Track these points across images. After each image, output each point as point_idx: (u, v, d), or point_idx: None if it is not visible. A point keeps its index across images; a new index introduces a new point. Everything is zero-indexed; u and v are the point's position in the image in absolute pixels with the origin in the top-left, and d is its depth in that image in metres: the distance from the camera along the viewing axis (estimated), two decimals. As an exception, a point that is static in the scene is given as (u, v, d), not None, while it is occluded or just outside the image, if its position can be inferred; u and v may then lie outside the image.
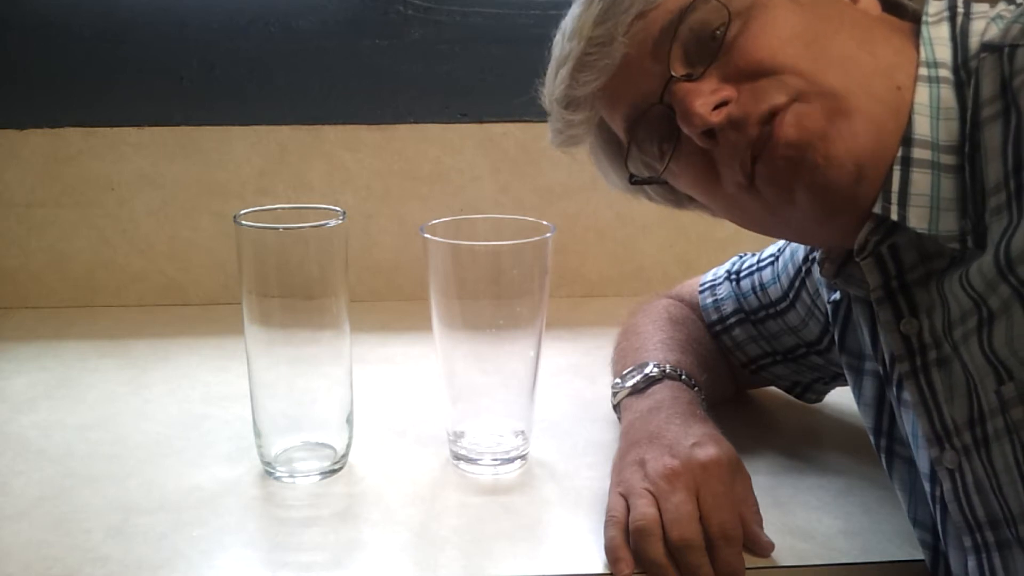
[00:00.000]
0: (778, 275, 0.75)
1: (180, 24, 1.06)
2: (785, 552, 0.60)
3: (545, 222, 0.69)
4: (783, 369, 0.78)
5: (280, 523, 0.64)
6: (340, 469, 0.71)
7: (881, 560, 0.60)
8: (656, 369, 0.71)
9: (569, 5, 0.60)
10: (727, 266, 0.81)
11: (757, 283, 0.77)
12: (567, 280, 1.16)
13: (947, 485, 0.52)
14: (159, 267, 1.12)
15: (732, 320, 0.78)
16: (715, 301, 0.80)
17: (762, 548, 0.59)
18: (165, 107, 1.08)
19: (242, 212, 0.66)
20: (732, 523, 0.58)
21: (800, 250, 0.73)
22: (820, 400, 0.81)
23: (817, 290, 0.70)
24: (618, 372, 0.75)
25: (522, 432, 0.72)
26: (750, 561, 0.59)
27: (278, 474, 0.70)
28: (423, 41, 1.08)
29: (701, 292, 0.82)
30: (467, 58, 1.09)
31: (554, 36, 0.62)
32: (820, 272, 0.61)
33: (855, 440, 0.76)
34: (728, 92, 0.52)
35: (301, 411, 0.69)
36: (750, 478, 0.63)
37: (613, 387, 0.74)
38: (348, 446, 0.72)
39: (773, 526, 0.62)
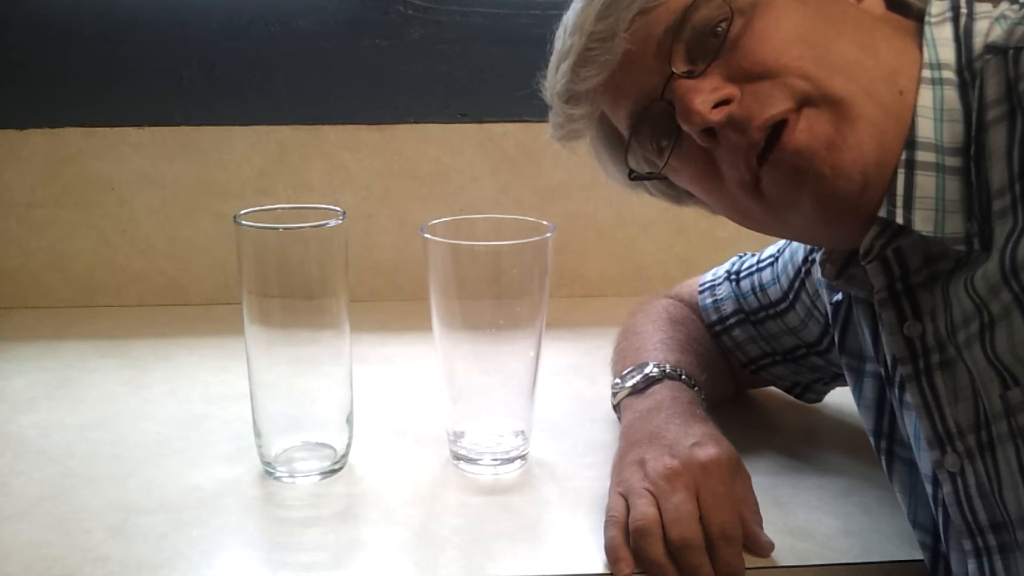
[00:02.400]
0: (778, 276, 0.75)
1: (180, 24, 1.06)
2: (785, 552, 0.60)
3: (545, 222, 0.69)
4: (783, 369, 0.78)
5: (280, 523, 0.64)
6: (340, 469, 0.71)
7: (881, 560, 0.60)
8: (656, 369, 0.71)
9: (569, 4, 0.60)
10: (727, 266, 0.81)
11: (757, 284, 0.77)
12: (567, 280, 1.16)
13: (948, 488, 0.52)
14: (159, 267, 1.12)
15: (732, 320, 0.78)
16: (715, 301, 0.80)
17: (762, 548, 0.59)
18: (165, 107, 1.08)
19: (242, 212, 0.66)
20: (732, 523, 0.58)
21: (800, 251, 0.73)
22: (820, 400, 0.81)
23: (817, 291, 0.70)
24: (618, 372, 0.75)
25: (522, 432, 0.72)
26: (750, 561, 0.59)
27: (278, 474, 0.70)
28: (423, 41, 1.08)
29: (701, 292, 0.82)
30: (467, 58, 1.09)
31: (555, 33, 0.62)
32: (821, 273, 0.61)
33: (855, 440, 0.76)
34: (730, 91, 0.51)
35: (301, 411, 0.69)
36: (750, 478, 0.63)
37: (613, 387, 0.74)
38: (348, 446, 0.72)
39: (773, 526, 0.62)
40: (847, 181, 0.49)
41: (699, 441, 0.61)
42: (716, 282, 0.81)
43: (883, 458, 0.62)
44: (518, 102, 1.11)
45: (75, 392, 0.87)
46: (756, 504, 0.62)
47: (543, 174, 1.12)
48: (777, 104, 0.50)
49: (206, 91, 1.08)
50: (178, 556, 0.60)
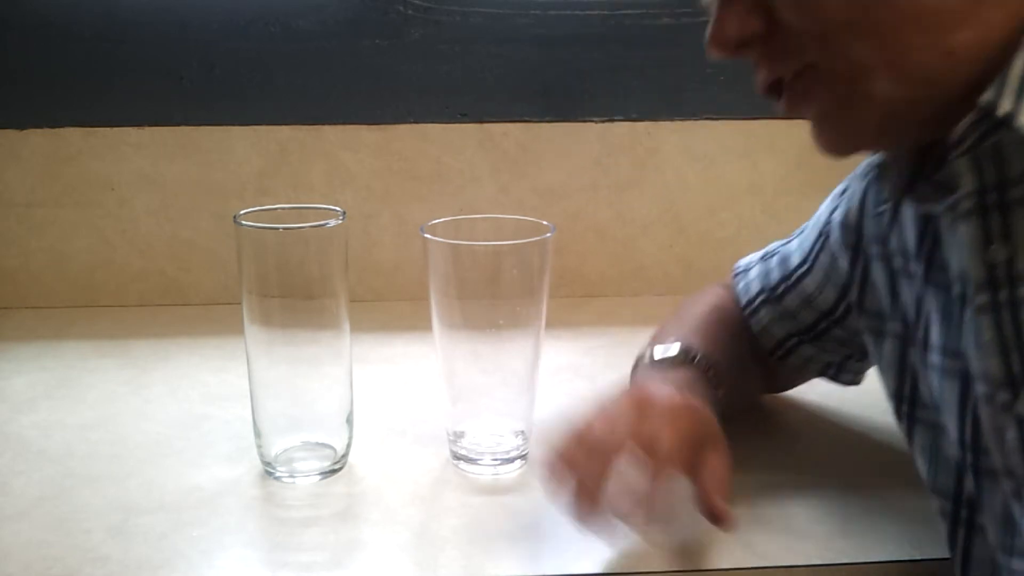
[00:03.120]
0: (802, 241, 0.73)
1: (180, 24, 1.06)
2: (785, 552, 0.60)
3: (545, 222, 0.69)
4: (809, 349, 0.75)
5: (280, 523, 0.64)
6: (340, 469, 0.71)
7: (881, 560, 0.60)
8: (686, 354, 0.70)
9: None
10: (765, 248, 0.80)
11: (783, 256, 0.76)
12: (567, 280, 1.16)
13: (1013, 434, 0.47)
14: (159, 267, 1.12)
15: (757, 301, 0.77)
16: (746, 285, 0.79)
17: (720, 516, 0.56)
18: (165, 107, 1.08)
19: (242, 212, 0.66)
20: (669, 444, 0.56)
21: (825, 212, 0.71)
22: (858, 382, 0.78)
23: (837, 251, 0.68)
24: (652, 344, 0.73)
25: (522, 432, 0.72)
26: (750, 561, 0.59)
27: (278, 474, 0.70)
28: (423, 41, 1.08)
29: (735, 277, 0.80)
30: (467, 58, 1.09)
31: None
32: (879, 179, 0.57)
33: (855, 440, 0.76)
34: (754, 27, 0.48)
35: (301, 411, 0.70)
36: (727, 454, 0.60)
37: (640, 353, 0.73)
38: (348, 446, 0.72)
39: (773, 526, 0.62)
40: (846, 150, 0.49)
41: (685, 397, 0.61)
42: (750, 265, 0.80)
43: (904, 422, 0.59)
44: (518, 102, 1.11)
45: (75, 392, 0.87)
46: (723, 480, 0.59)
47: (543, 174, 1.12)
48: (783, 72, 0.49)
49: (206, 91, 1.08)
50: (178, 556, 0.60)
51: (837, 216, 0.66)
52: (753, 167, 1.15)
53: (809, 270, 0.72)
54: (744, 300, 0.79)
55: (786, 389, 0.84)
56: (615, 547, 0.60)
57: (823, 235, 0.71)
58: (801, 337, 0.75)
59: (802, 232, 0.75)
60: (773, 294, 0.76)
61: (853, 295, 0.65)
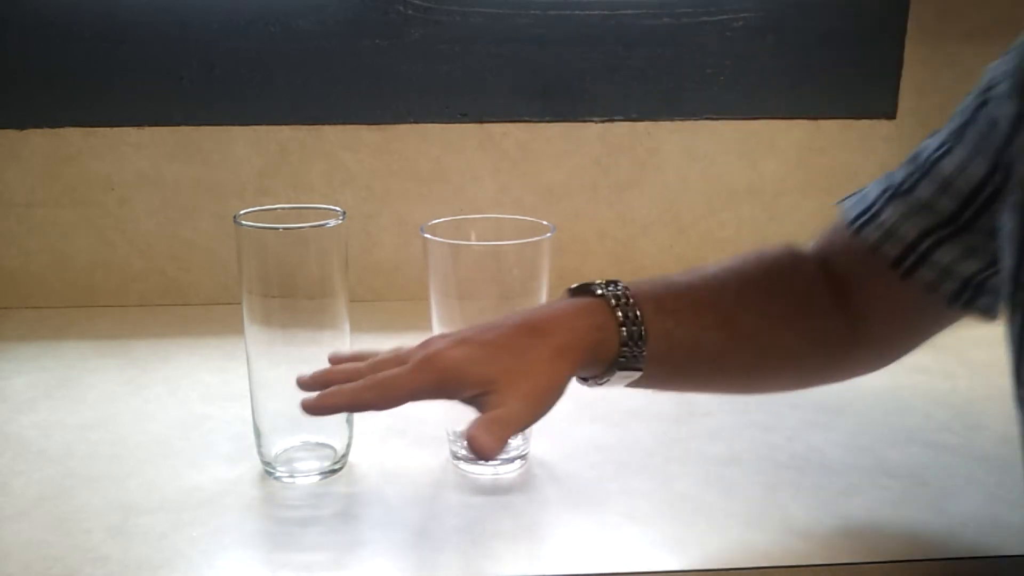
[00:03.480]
0: (940, 134, 0.63)
1: (180, 24, 1.06)
2: (785, 552, 0.60)
3: (545, 222, 0.69)
4: (950, 251, 0.61)
5: (280, 523, 0.64)
6: (340, 469, 0.71)
7: (881, 560, 0.60)
8: (586, 286, 0.64)
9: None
10: None
11: (911, 156, 0.65)
12: (567, 280, 1.15)
13: None
14: (159, 267, 1.12)
15: (879, 204, 0.64)
16: (860, 197, 0.67)
17: (473, 443, 0.52)
18: (165, 107, 1.08)
19: (242, 212, 0.66)
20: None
21: (984, 79, 0.61)
22: (995, 312, 0.63)
23: (1000, 113, 0.57)
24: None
25: (522, 432, 0.71)
26: (750, 561, 0.59)
27: (278, 474, 0.70)
28: (423, 41, 1.08)
29: (841, 202, 0.69)
30: (467, 58, 1.09)
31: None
32: None
33: (855, 439, 0.76)
34: None
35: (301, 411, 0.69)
36: (511, 405, 0.56)
37: None
38: (348, 446, 0.72)
39: (773, 526, 0.62)
40: None
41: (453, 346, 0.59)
42: (863, 186, 0.69)
43: (1018, 312, 0.51)
44: (518, 102, 1.11)
45: (75, 392, 0.87)
46: (492, 418, 0.54)
47: (543, 174, 1.12)
48: None
49: (206, 91, 1.08)
50: (178, 556, 0.60)
51: (1004, 67, 0.56)
52: (753, 167, 1.15)
53: (949, 150, 0.61)
54: (856, 212, 0.65)
55: (887, 351, 0.69)
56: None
57: (977, 107, 0.60)
58: (941, 233, 0.61)
59: (937, 132, 0.64)
60: (901, 188, 0.63)
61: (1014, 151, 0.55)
